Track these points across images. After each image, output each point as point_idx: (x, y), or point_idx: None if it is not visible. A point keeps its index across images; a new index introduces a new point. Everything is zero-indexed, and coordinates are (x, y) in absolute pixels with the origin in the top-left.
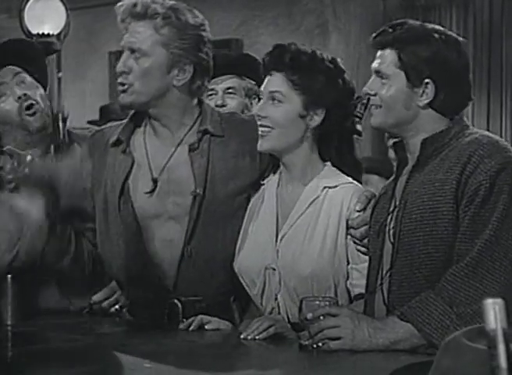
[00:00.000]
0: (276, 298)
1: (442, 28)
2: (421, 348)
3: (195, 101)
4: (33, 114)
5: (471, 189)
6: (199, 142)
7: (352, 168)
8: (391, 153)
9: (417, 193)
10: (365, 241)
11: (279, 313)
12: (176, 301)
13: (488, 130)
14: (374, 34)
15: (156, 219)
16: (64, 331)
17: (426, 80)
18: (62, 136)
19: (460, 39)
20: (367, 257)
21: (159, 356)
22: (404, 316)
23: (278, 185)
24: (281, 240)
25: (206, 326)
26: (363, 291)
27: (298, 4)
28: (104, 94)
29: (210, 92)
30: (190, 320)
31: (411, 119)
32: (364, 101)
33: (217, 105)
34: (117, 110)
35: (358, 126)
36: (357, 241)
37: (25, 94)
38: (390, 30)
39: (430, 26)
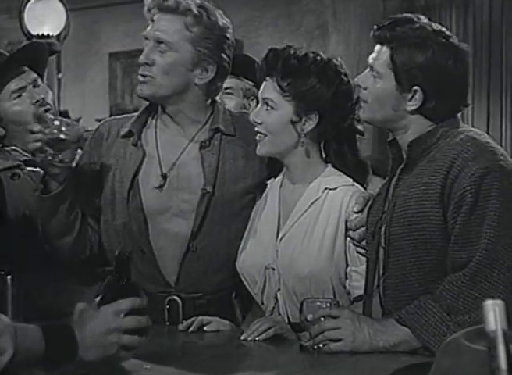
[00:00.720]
0: (276, 297)
1: (445, 31)
2: (420, 349)
3: (209, 100)
4: None
5: (456, 195)
6: (210, 140)
7: (354, 169)
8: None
9: (404, 196)
10: (364, 242)
11: (279, 312)
12: (175, 297)
13: (488, 131)
14: (375, 27)
15: (163, 213)
16: None
17: (415, 88)
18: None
19: (462, 46)
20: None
21: (159, 357)
22: (402, 320)
23: (281, 185)
24: (281, 240)
25: (205, 328)
26: (362, 292)
27: (298, 4)
28: (104, 95)
29: None
30: (189, 321)
31: (399, 120)
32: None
33: None
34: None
35: (359, 126)
36: (356, 243)
37: (43, 99)
38: (390, 25)
39: (433, 27)
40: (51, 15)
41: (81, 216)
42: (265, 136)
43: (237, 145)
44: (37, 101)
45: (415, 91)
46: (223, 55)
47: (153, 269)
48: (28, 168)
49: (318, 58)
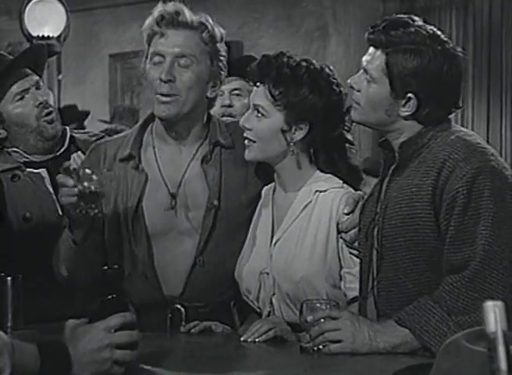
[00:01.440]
0: (271, 302)
1: (441, 36)
2: (420, 350)
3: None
4: (51, 121)
5: (448, 196)
6: (211, 154)
7: (347, 175)
8: None
9: (396, 198)
10: (356, 243)
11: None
12: (179, 306)
13: (488, 132)
14: (370, 29)
15: (168, 233)
16: None
17: (409, 95)
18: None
19: (457, 51)
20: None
21: (159, 358)
22: (402, 321)
23: (274, 192)
24: (274, 245)
25: (212, 327)
26: (357, 294)
27: (298, 6)
28: (104, 96)
29: None
30: (191, 325)
31: (392, 123)
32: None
33: (224, 105)
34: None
35: (348, 136)
36: (348, 244)
37: (46, 101)
38: (385, 29)
39: (428, 31)
40: (51, 16)
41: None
42: (254, 142)
43: (237, 157)
44: (41, 103)
45: (409, 98)
46: (223, 66)
47: (155, 291)
48: (28, 169)
49: (311, 67)
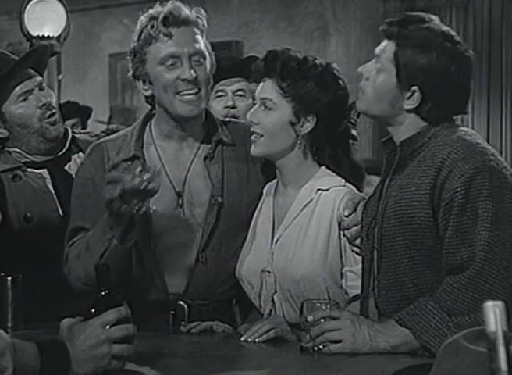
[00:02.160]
0: (273, 300)
1: (454, 36)
2: (420, 350)
3: None
4: (54, 123)
5: (446, 196)
6: (214, 152)
7: (350, 172)
8: None
9: (395, 197)
10: (358, 241)
11: None
12: (182, 303)
13: (488, 132)
14: (386, 21)
15: (172, 231)
16: None
17: (413, 88)
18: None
19: (468, 53)
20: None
21: (159, 358)
22: (402, 321)
23: (275, 190)
24: (275, 242)
25: (214, 327)
26: (358, 291)
27: (298, 6)
28: (104, 96)
29: (219, 93)
30: (192, 325)
31: (394, 116)
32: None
33: (227, 107)
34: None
35: (353, 131)
36: (350, 242)
37: (49, 103)
38: (400, 22)
39: (442, 30)
40: (51, 16)
41: None
42: (261, 136)
43: (238, 154)
44: (44, 104)
45: (414, 91)
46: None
47: (159, 289)
48: (29, 170)
49: (317, 62)
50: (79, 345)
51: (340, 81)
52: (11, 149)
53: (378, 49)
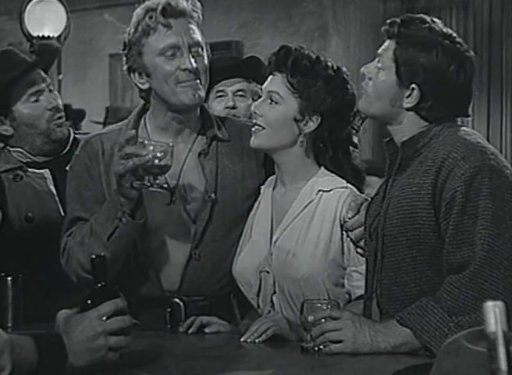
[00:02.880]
0: (272, 301)
1: (455, 37)
2: (421, 350)
3: None
4: (61, 125)
5: (447, 195)
6: (208, 148)
7: (351, 175)
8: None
9: (398, 197)
10: (362, 242)
11: None
12: (177, 300)
13: (488, 131)
14: (388, 21)
15: (166, 226)
16: None
17: (413, 86)
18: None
19: (469, 53)
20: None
21: (159, 359)
22: (403, 320)
23: (273, 189)
24: (275, 243)
25: (206, 330)
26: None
27: (298, 6)
28: (105, 96)
29: (219, 94)
30: (189, 321)
31: (395, 115)
32: (363, 115)
33: (227, 107)
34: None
35: (354, 138)
36: (354, 242)
37: (58, 106)
38: (402, 23)
39: (443, 30)
40: (51, 16)
41: None
42: (263, 128)
43: (233, 150)
44: (54, 107)
45: (413, 89)
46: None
47: (155, 279)
48: (30, 170)
49: (329, 64)
50: (75, 337)
51: (349, 86)
52: (13, 148)
53: (380, 49)
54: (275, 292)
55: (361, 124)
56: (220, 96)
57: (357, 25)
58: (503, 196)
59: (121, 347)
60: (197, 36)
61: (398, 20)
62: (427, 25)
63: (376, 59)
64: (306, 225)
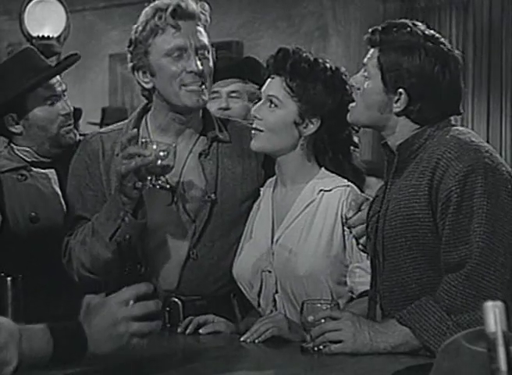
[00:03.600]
0: (274, 300)
1: (438, 37)
2: (421, 350)
3: None
4: (70, 131)
5: (442, 195)
6: (209, 149)
7: (351, 176)
8: None
9: (396, 199)
10: (363, 239)
11: None
12: (176, 299)
13: (488, 131)
14: (370, 30)
15: (167, 226)
16: None
17: (400, 90)
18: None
19: (453, 53)
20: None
21: (159, 360)
22: (403, 320)
23: (273, 189)
24: (276, 242)
25: (201, 331)
26: (367, 288)
27: (298, 6)
28: (104, 97)
29: (214, 95)
30: (186, 321)
31: (385, 122)
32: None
33: (221, 108)
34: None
35: (355, 138)
36: (356, 239)
37: (71, 113)
38: (383, 30)
39: (425, 33)
40: (51, 16)
41: None
42: (263, 132)
43: (234, 151)
44: (67, 113)
45: (400, 93)
46: None
47: (153, 279)
48: (35, 169)
49: (327, 65)
50: (95, 325)
51: (347, 86)
52: (19, 147)
53: (365, 59)
54: (277, 291)
55: None
56: (214, 98)
57: (357, 25)
58: (498, 193)
59: (146, 333)
60: (204, 39)
61: (379, 28)
62: (408, 29)
63: (362, 69)
64: (308, 223)
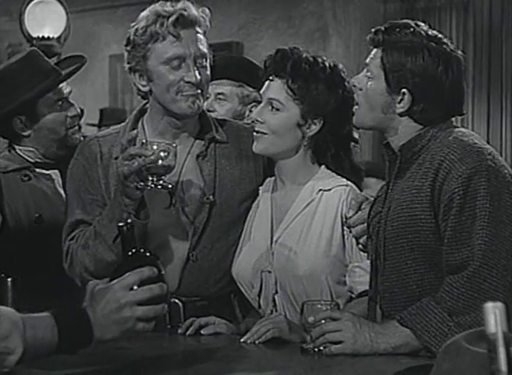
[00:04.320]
0: (274, 300)
1: (441, 38)
2: (422, 351)
3: None
4: (75, 133)
5: (445, 197)
6: (206, 150)
7: (351, 174)
8: None
9: (398, 200)
10: (364, 238)
11: None
12: (176, 300)
13: (488, 132)
14: (372, 30)
15: (166, 228)
16: None
17: (403, 90)
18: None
19: (456, 53)
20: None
21: (160, 361)
22: (404, 321)
23: (272, 189)
24: (276, 242)
25: (202, 331)
26: (366, 287)
27: (298, 7)
28: (105, 97)
29: None
30: (187, 323)
31: (389, 122)
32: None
33: (208, 110)
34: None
35: (355, 134)
36: (356, 238)
37: (78, 115)
38: (386, 30)
39: (427, 33)
40: (51, 17)
41: None
42: (265, 134)
43: (231, 152)
44: (75, 115)
45: (403, 94)
46: None
47: None
48: (37, 170)
49: (326, 63)
50: (100, 311)
51: (346, 83)
52: (22, 148)
53: (367, 58)
54: (276, 292)
55: None
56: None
57: (357, 26)
58: (500, 196)
59: (153, 317)
60: (204, 47)
61: (382, 28)
62: (411, 29)
63: (365, 69)
64: (307, 223)
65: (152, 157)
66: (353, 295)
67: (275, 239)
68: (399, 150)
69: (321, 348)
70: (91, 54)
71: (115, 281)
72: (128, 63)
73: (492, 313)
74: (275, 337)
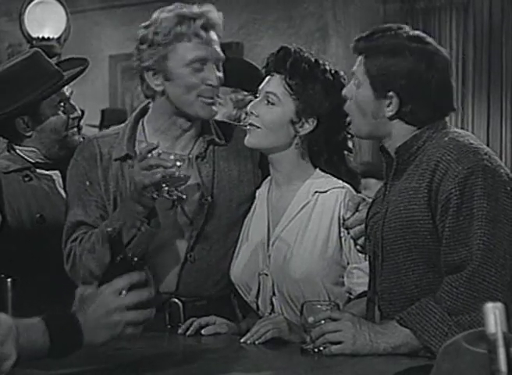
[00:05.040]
0: (271, 302)
1: (423, 38)
2: (421, 351)
3: None
4: (75, 133)
5: (442, 198)
6: (205, 152)
7: (346, 177)
8: None
9: (395, 201)
10: (361, 240)
11: None
12: (176, 300)
13: (488, 132)
14: (355, 39)
15: (165, 230)
16: None
17: (390, 94)
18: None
19: (439, 51)
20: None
21: (159, 361)
22: (403, 321)
23: (268, 192)
24: (272, 245)
25: (202, 332)
26: (365, 289)
27: (298, 7)
28: (105, 98)
29: None
30: (187, 323)
31: (381, 127)
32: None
33: None
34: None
35: (349, 143)
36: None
37: (79, 116)
38: (367, 36)
39: (409, 34)
40: (51, 17)
41: None
42: (258, 128)
43: (230, 154)
44: (76, 117)
45: (391, 97)
46: None
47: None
48: (38, 170)
49: (327, 67)
50: (90, 315)
51: None
52: (22, 148)
53: (353, 67)
54: (274, 294)
55: None
56: None
57: (357, 26)
58: (497, 195)
59: (141, 321)
60: (220, 50)
61: (364, 35)
62: (392, 32)
63: (352, 78)
64: (303, 226)
65: (173, 169)
66: (351, 297)
67: (271, 241)
68: (395, 152)
69: (321, 348)
70: (91, 54)
71: (104, 286)
72: (142, 62)
73: (492, 313)
74: (274, 337)
